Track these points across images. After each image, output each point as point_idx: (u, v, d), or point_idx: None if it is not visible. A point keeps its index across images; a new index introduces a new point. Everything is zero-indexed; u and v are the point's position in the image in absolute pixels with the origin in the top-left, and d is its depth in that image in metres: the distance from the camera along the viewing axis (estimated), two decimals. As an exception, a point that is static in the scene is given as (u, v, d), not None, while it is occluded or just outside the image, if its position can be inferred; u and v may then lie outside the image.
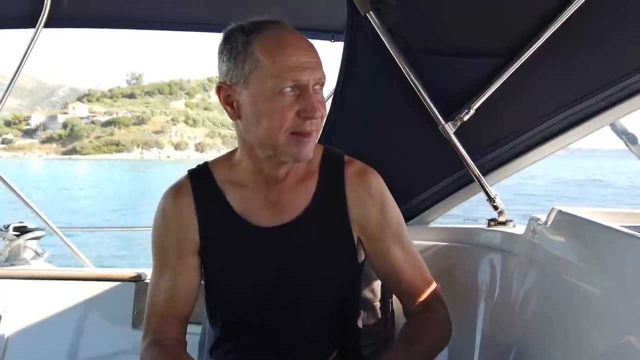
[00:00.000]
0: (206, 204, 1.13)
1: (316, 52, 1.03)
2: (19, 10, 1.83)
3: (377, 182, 1.16)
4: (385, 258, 1.16)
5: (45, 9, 1.75)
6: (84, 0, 1.83)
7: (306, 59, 1.00)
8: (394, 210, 1.18)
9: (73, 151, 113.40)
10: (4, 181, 2.07)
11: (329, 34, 1.98)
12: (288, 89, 0.99)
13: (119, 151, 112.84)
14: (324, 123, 1.07)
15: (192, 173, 1.17)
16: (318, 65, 1.02)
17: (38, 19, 1.77)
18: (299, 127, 1.01)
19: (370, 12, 1.45)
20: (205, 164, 1.19)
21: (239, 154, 1.12)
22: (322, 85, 1.04)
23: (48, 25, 1.79)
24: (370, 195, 1.14)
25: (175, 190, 1.15)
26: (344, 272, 1.16)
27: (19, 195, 2.08)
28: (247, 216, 1.12)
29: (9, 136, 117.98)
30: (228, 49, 1.03)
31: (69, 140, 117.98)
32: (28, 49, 1.86)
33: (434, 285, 1.18)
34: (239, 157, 1.13)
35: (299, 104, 1.00)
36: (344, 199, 1.13)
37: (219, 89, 1.06)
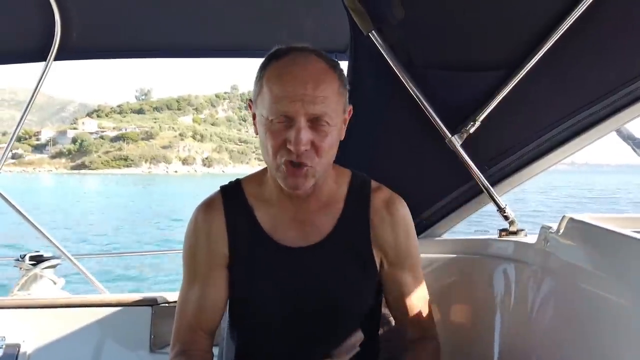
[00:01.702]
0: (236, 220, 1.16)
1: (322, 86, 1.01)
2: (30, 45, 1.87)
3: (403, 211, 1.19)
4: (398, 285, 1.19)
5: (55, 43, 1.79)
6: (93, 33, 1.87)
7: (301, 91, 1.00)
8: (415, 241, 1.21)
9: (82, 166, 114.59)
10: (20, 212, 2.10)
11: (332, 54, 2.00)
12: (276, 118, 1.02)
13: (128, 166, 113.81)
14: (326, 158, 1.07)
15: (224, 189, 1.21)
16: (315, 99, 1.00)
17: (49, 53, 1.82)
18: (286, 156, 1.03)
19: (373, 31, 1.46)
20: (238, 180, 1.23)
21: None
22: (322, 119, 1.02)
23: (58, 58, 1.84)
24: (396, 223, 1.17)
25: (207, 205, 1.19)
26: (365, 296, 1.18)
27: (34, 225, 2.12)
28: (274, 234, 1.15)
29: (19, 151, 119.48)
30: (259, 69, 1.08)
31: (78, 155, 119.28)
32: (39, 81, 1.91)
33: (432, 316, 1.23)
34: (268, 174, 1.16)
35: (286, 134, 1.02)
36: (368, 224, 1.16)
37: (249, 104, 1.14)
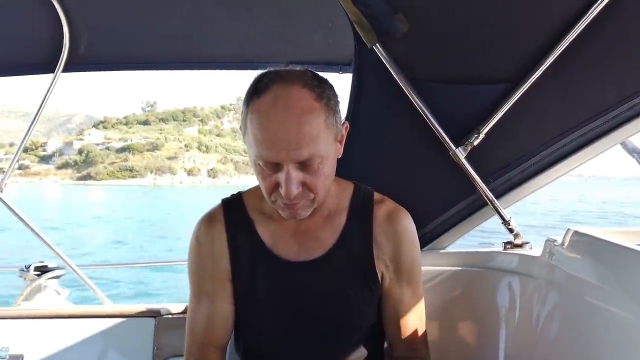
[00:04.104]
0: (237, 233, 1.15)
1: (306, 127, 0.96)
2: (39, 57, 1.91)
3: (407, 224, 1.17)
4: (395, 301, 1.18)
5: (63, 55, 1.82)
6: (101, 46, 1.90)
7: (284, 138, 0.95)
8: (419, 256, 1.19)
9: (88, 177, 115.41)
10: (25, 222, 2.12)
11: (336, 66, 2.03)
12: (263, 164, 0.99)
13: (133, 177, 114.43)
14: (323, 189, 1.04)
15: (225, 202, 1.19)
16: (300, 143, 0.95)
17: (57, 65, 1.85)
18: (280, 198, 1.02)
19: (377, 44, 1.47)
20: (239, 193, 1.21)
21: None
22: (311, 160, 0.98)
23: (66, 70, 1.87)
24: (399, 236, 1.15)
25: (208, 219, 1.17)
26: (368, 311, 1.17)
27: (38, 235, 2.13)
28: (275, 249, 1.13)
29: (26, 162, 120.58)
30: (244, 100, 1.03)
31: (84, 166, 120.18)
32: (47, 92, 1.94)
33: (425, 334, 1.21)
34: None
35: (276, 176, 0.99)
36: (371, 237, 1.14)
37: (241, 128, 1.10)
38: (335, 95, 1.04)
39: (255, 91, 0.99)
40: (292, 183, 0.97)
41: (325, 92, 1.01)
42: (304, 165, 0.98)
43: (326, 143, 1.00)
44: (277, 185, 1.00)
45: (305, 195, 1.02)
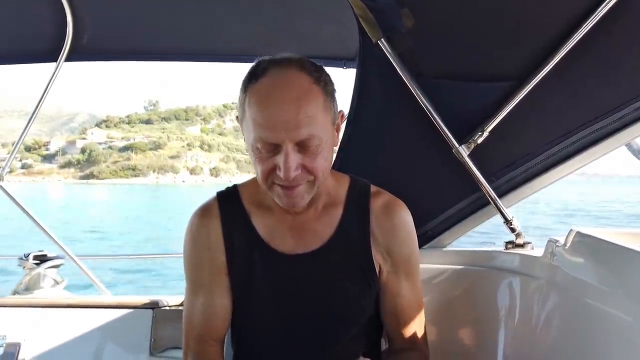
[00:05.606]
0: (232, 226, 1.14)
1: (305, 108, 0.96)
2: (42, 45, 1.91)
3: (404, 216, 1.16)
4: (394, 293, 1.17)
5: (66, 44, 1.82)
6: (104, 35, 1.91)
7: (283, 117, 0.96)
8: (416, 248, 1.19)
9: (90, 176, 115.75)
10: (26, 212, 2.12)
11: (341, 61, 2.03)
12: (262, 146, 0.98)
13: (136, 176, 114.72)
14: (321, 174, 1.03)
15: (220, 195, 1.19)
16: (299, 123, 0.96)
17: (60, 54, 1.85)
18: (278, 180, 1.01)
19: (382, 39, 1.46)
20: (235, 186, 1.21)
21: None
22: (310, 140, 0.98)
23: (69, 59, 1.87)
24: (396, 229, 1.15)
25: (203, 212, 1.17)
26: (365, 304, 1.16)
27: (38, 224, 2.13)
28: (271, 242, 1.13)
29: (29, 161, 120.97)
30: (241, 86, 1.04)
31: (86, 165, 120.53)
32: (50, 81, 1.94)
33: (424, 328, 1.20)
34: None
35: (275, 159, 0.99)
36: (368, 230, 1.14)
37: (237, 118, 1.09)
38: (332, 83, 1.05)
39: (254, 75, 1.00)
40: (290, 164, 0.97)
41: (322, 77, 1.02)
42: (302, 147, 0.98)
43: (324, 125, 1.00)
44: (274, 168, 1.00)
45: (304, 177, 1.01)
